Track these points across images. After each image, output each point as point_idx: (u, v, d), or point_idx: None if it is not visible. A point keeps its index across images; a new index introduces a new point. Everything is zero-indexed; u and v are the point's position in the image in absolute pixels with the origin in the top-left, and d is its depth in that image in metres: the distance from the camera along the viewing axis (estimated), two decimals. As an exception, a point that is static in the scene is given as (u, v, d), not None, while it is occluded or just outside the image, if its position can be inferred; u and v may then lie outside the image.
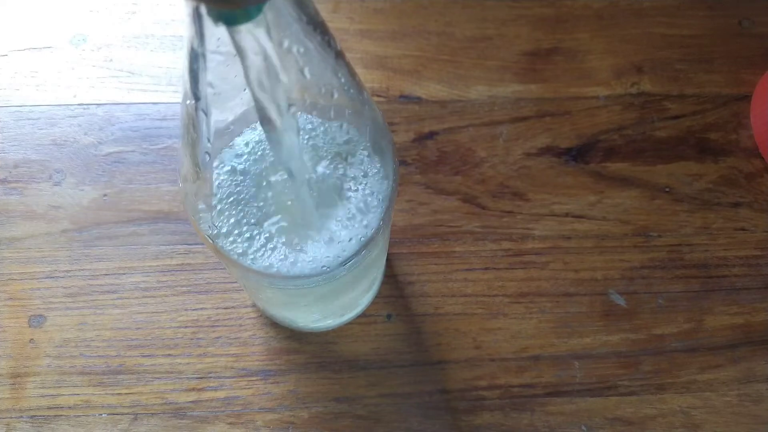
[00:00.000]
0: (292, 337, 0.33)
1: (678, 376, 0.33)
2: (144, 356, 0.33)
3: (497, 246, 0.36)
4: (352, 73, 0.20)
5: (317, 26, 0.17)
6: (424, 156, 0.38)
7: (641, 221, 0.36)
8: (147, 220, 0.35)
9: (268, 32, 0.15)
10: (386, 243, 0.29)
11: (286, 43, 0.16)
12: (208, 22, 0.15)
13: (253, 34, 0.15)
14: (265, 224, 0.19)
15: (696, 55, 0.41)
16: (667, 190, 0.37)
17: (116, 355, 0.33)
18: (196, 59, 0.16)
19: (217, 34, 0.16)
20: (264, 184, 0.19)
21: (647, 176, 0.37)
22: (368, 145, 0.21)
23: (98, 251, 0.35)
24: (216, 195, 0.20)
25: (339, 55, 0.19)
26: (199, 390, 0.32)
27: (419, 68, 0.40)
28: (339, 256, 0.20)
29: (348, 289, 0.27)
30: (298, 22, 0.16)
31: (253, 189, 0.19)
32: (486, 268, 0.35)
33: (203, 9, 0.15)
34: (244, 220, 0.20)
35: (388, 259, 0.35)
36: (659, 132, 0.39)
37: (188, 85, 0.17)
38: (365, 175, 0.21)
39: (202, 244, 0.35)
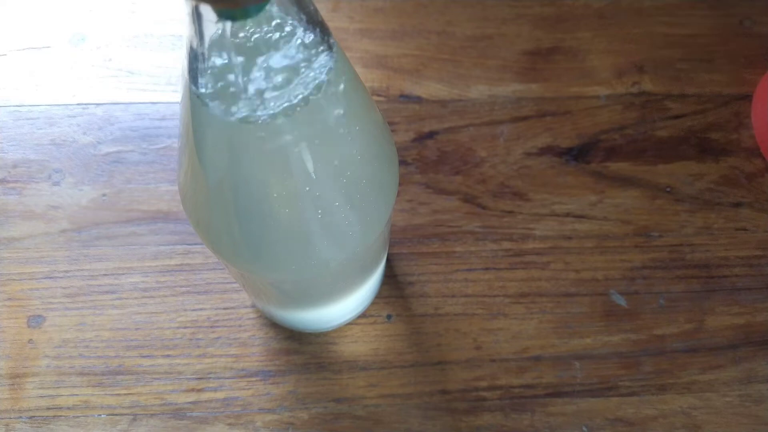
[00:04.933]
0: (292, 338, 0.33)
1: (679, 376, 0.33)
2: (143, 357, 0.33)
3: (498, 246, 0.35)
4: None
5: (316, 25, 0.17)
6: (425, 156, 0.37)
7: (642, 221, 0.36)
8: (146, 220, 0.35)
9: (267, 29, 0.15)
10: (386, 242, 0.29)
11: (286, 45, 0.16)
12: (207, 22, 0.15)
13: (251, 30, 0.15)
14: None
15: (697, 55, 0.41)
16: (668, 190, 0.37)
17: (115, 356, 0.33)
18: (195, 59, 0.16)
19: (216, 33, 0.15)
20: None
21: (648, 176, 0.37)
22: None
23: (97, 251, 0.35)
24: None
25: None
26: (199, 391, 0.32)
27: (419, 68, 0.40)
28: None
29: (347, 286, 0.27)
30: (298, 21, 0.16)
31: None
32: (486, 269, 0.35)
33: (202, 8, 0.15)
34: None
35: (388, 259, 0.35)
36: (660, 132, 0.39)
37: (187, 85, 0.17)
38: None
39: (202, 244, 0.35)
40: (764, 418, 0.32)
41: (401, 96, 0.39)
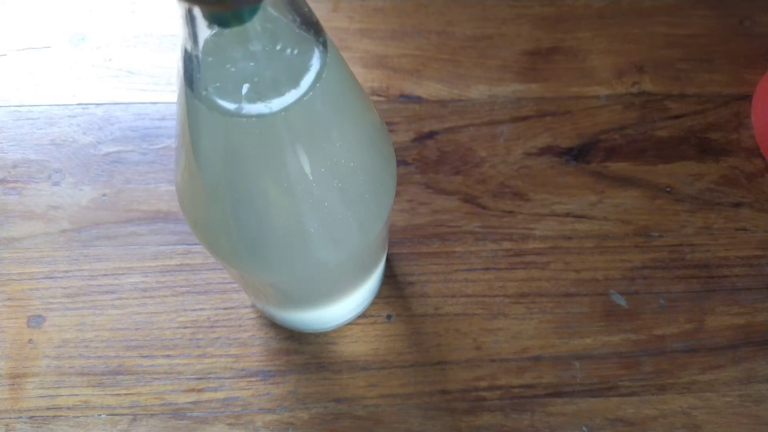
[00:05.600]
0: (292, 338, 0.33)
1: (679, 376, 0.33)
2: (143, 357, 0.33)
3: (498, 246, 0.35)
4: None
5: (311, 26, 0.17)
6: (425, 156, 0.37)
7: (642, 221, 0.36)
8: (146, 220, 0.35)
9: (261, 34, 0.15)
10: (385, 242, 0.29)
11: (279, 45, 0.16)
12: (201, 25, 0.15)
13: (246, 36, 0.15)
14: None
15: (697, 55, 0.41)
16: (668, 190, 0.37)
17: (115, 356, 0.33)
18: (189, 61, 0.16)
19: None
20: None
21: (648, 176, 0.37)
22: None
23: (97, 251, 0.35)
24: None
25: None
26: (199, 391, 0.32)
27: (419, 67, 0.40)
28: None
29: (347, 286, 0.27)
30: (292, 22, 0.16)
31: None
32: (486, 269, 0.35)
33: (196, 11, 0.15)
34: None
35: (388, 259, 0.35)
36: (660, 132, 0.39)
37: (183, 87, 0.17)
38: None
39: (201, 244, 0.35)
40: (764, 418, 0.32)
41: (401, 96, 0.39)
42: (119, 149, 0.37)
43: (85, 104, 0.39)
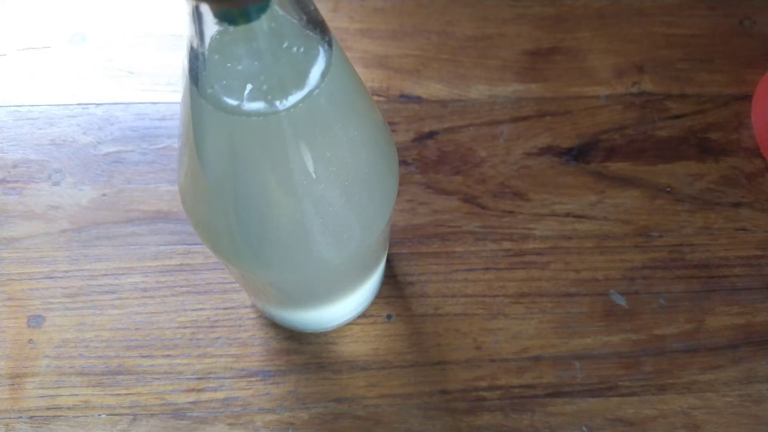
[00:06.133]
0: (292, 338, 0.33)
1: (679, 376, 0.33)
2: (143, 357, 0.33)
3: (498, 246, 0.35)
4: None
5: (317, 25, 0.17)
6: (425, 156, 0.37)
7: (642, 221, 0.36)
8: (146, 220, 0.35)
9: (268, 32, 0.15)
10: (386, 242, 0.29)
11: (285, 44, 0.16)
12: (207, 22, 0.15)
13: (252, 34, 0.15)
14: None
15: (697, 55, 0.41)
16: (668, 189, 0.37)
17: (115, 356, 0.33)
18: (195, 58, 0.16)
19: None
20: None
21: (648, 176, 0.37)
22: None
23: (97, 251, 0.35)
24: None
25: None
26: (199, 391, 0.32)
27: (419, 68, 0.40)
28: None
29: (347, 286, 0.27)
30: (298, 20, 0.16)
31: None
32: (486, 269, 0.35)
33: (203, 8, 0.15)
34: None
35: (388, 259, 0.35)
36: (660, 132, 0.39)
37: (188, 85, 0.17)
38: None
39: (202, 244, 0.35)
40: (764, 418, 0.32)
41: (401, 96, 0.39)
42: (119, 149, 0.37)
43: (85, 104, 0.39)
